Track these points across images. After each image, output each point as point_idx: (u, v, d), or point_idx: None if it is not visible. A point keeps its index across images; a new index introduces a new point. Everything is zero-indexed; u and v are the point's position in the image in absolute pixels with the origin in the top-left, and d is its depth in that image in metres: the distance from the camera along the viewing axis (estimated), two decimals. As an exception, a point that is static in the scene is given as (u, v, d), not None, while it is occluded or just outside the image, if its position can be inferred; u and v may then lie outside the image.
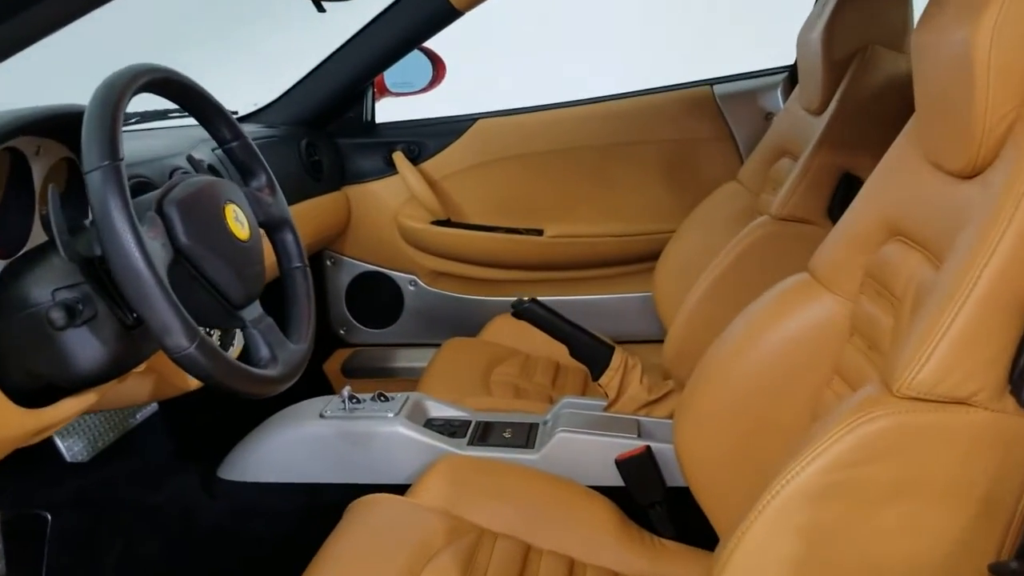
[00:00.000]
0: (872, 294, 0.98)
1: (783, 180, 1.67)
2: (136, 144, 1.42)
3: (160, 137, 1.55)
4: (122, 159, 0.86)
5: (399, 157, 2.05)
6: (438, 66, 2.21)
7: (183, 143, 1.46)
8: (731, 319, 1.15)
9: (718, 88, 2.04)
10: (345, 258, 2.15)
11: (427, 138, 2.09)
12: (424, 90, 2.24)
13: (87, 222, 0.95)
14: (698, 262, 1.76)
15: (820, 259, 1.07)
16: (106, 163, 0.84)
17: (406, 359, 2.14)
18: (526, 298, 1.45)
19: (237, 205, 1.03)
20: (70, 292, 0.92)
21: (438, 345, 1.94)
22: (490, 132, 2.09)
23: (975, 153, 0.79)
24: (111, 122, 0.87)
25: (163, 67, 1.00)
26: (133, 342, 0.98)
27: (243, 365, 0.92)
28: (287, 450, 1.37)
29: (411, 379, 1.92)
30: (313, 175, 1.95)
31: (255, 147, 1.16)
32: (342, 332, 2.19)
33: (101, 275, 0.93)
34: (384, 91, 2.22)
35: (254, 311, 1.01)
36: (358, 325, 2.19)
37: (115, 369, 0.98)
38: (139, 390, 1.22)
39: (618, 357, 1.39)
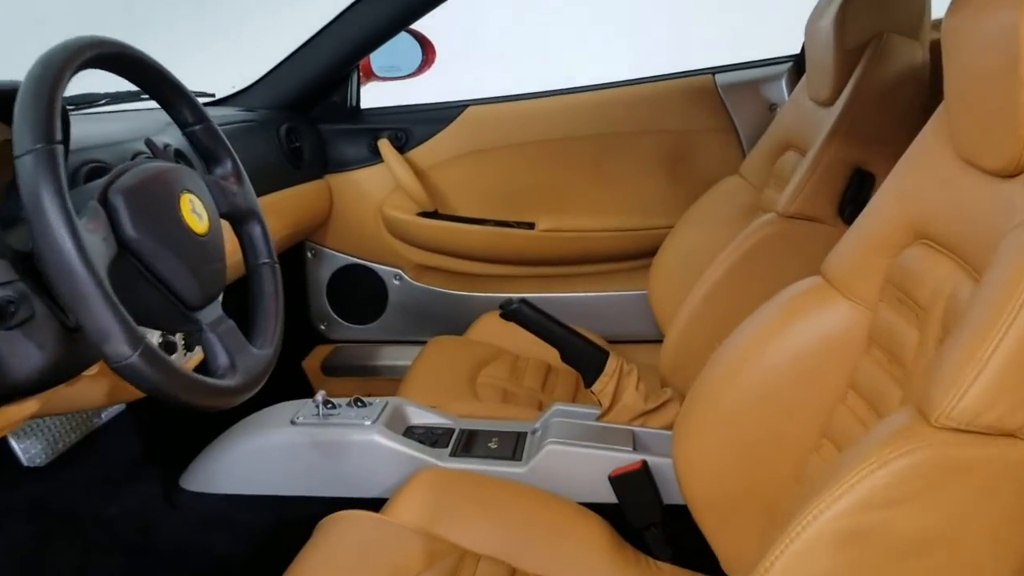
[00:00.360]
0: (893, 302, 0.89)
1: (788, 175, 1.58)
2: (98, 127, 1.32)
3: (130, 120, 1.44)
4: (59, 142, 0.76)
5: (385, 145, 1.95)
6: (428, 50, 2.11)
7: (153, 126, 1.36)
8: (735, 323, 1.07)
9: (720, 77, 1.95)
10: (327, 250, 2.04)
11: (414, 125, 1.99)
12: (413, 75, 2.14)
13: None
14: (697, 260, 1.68)
15: (835, 262, 0.99)
16: (39, 146, 0.74)
17: (389, 357, 2.05)
18: (515, 298, 1.35)
19: (195, 194, 0.93)
20: (2, 291, 0.82)
21: (423, 343, 1.85)
22: (481, 120, 1.99)
23: (1019, 150, 0.71)
24: (47, 101, 0.77)
25: (113, 40, 0.90)
26: (76, 346, 0.88)
27: (195, 375, 0.82)
28: (254, 459, 1.27)
29: (394, 379, 1.82)
30: (293, 162, 1.85)
31: (219, 131, 1.06)
32: (323, 328, 2.09)
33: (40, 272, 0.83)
34: (370, 75, 2.11)
35: (212, 313, 0.91)
36: (339, 320, 2.09)
37: (54, 376, 0.88)
38: (92, 394, 1.12)
39: (612, 363, 1.30)
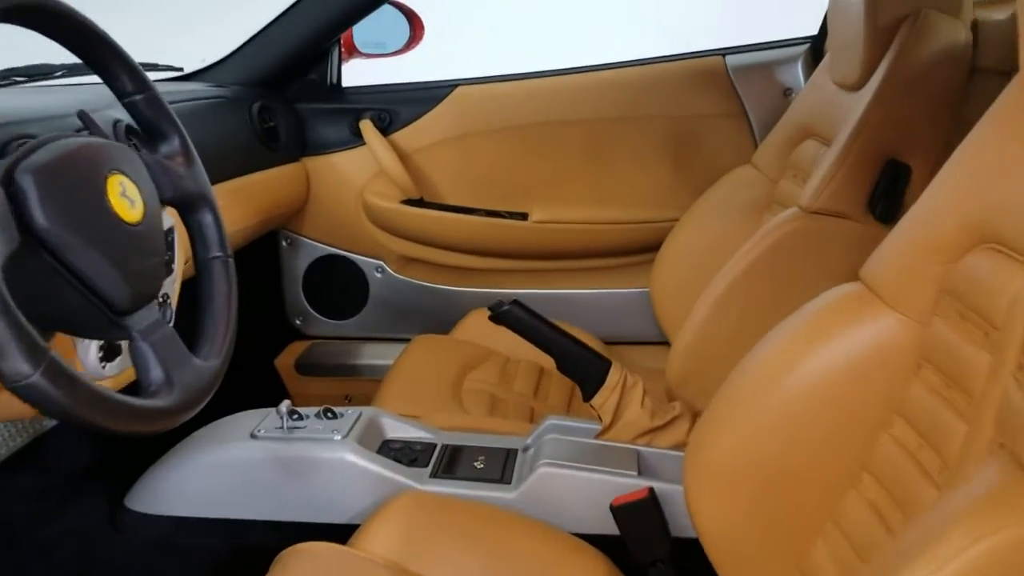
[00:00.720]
0: (953, 317, 0.75)
1: (808, 166, 1.44)
2: (41, 99, 1.16)
3: (84, 93, 1.29)
4: None
5: (367, 126, 1.80)
6: (415, 25, 1.96)
7: (104, 100, 1.20)
8: (753, 330, 0.93)
9: (731, 59, 1.80)
10: (303, 239, 1.89)
11: (399, 106, 1.84)
12: (399, 52, 1.99)
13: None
14: (705, 257, 1.55)
15: (878, 266, 0.85)
16: None
17: (370, 355, 1.90)
18: (506, 298, 1.21)
19: (126, 176, 0.78)
20: None
21: (407, 340, 1.71)
22: (471, 101, 1.84)
23: None
24: None
25: None
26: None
27: (115, 395, 0.67)
28: (209, 478, 1.12)
29: (374, 379, 1.67)
30: (267, 143, 1.70)
31: (165, 103, 0.91)
32: (298, 323, 1.94)
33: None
34: (353, 51, 1.95)
35: (145, 318, 0.77)
36: (316, 315, 1.94)
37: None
38: (17, 405, 0.97)
39: (615, 374, 1.16)
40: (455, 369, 1.55)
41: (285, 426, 1.15)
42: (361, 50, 1.95)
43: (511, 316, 1.18)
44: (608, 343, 1.76)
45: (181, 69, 1.79)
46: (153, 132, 0.91)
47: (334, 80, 1.87)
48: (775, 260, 1.20)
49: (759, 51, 1.82)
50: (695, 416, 1.18)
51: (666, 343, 1.69)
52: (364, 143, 1.80)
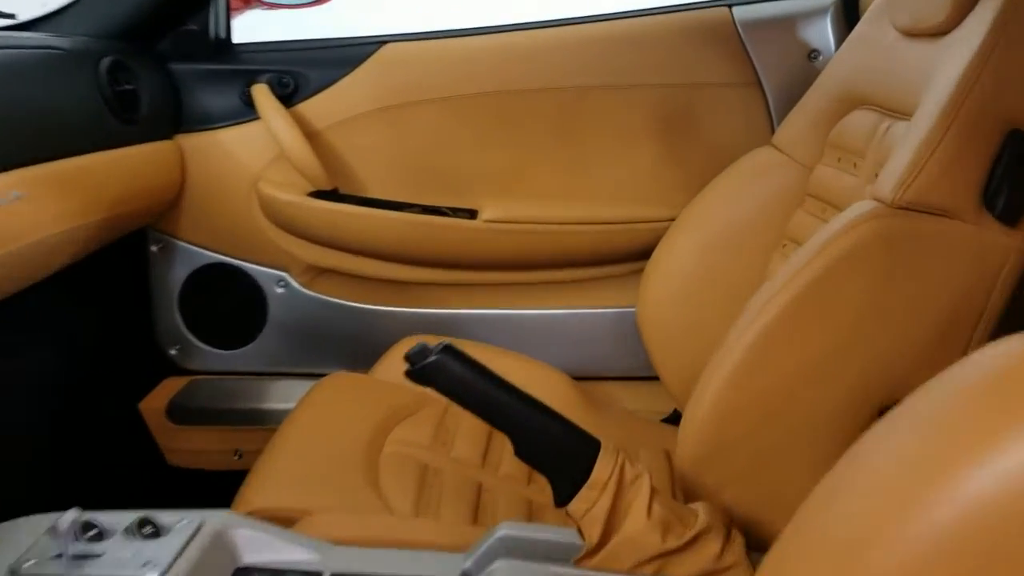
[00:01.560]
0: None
1: (860, 144, 1.03)
2: None
3: None
4: None
5: (262, 93, 1.35)
6: None
7: None
8: (817, 384, 0.77)
9: (740, 12, 1.38)
10: (180, 243, 1.43)
11: (307, 68, 1.39)
12: (313, 2, 1.55)
13: None
14: (714, 270, 1.16)
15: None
16: None
17: (268, 396, 1.44)
18: (432, 347, 0.77)
19: None
20: None
21: (316, 377, 1.27)
22: (404, 62, 1.40)
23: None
24: None
25: None
26: None
27: None
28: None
29: (272, 428, 1.22)
30: (121, 113, 1.25)
31: None
32: (173, 353, 1.48)
33: None
34: (250, 0, 1.51)
35: None
36: (197, 344, 1.48)
37: None
38: None
39: (606, 463, 0.72)
40: (374, 423, 1.11)
41: (68, 553, 0.70)
42: (261, -2, 1.51)
43: (438, 373, 0.74)
44: (580, 378, 1.33)
45: (12, 16, 1.33)
46: None
47: (221, 33, 1.42)
48: (851, 277, 0.78)
49: (777, 1, 1.40)
50: (729, 528, 0.76)
51: (654, 378, 1.27)
52: (259, 116, 1.35)
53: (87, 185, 1.16)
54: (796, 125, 1.21)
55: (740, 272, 1.15)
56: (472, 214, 1.40)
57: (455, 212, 1.41)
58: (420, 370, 0.75)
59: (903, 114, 0.96)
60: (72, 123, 1.17)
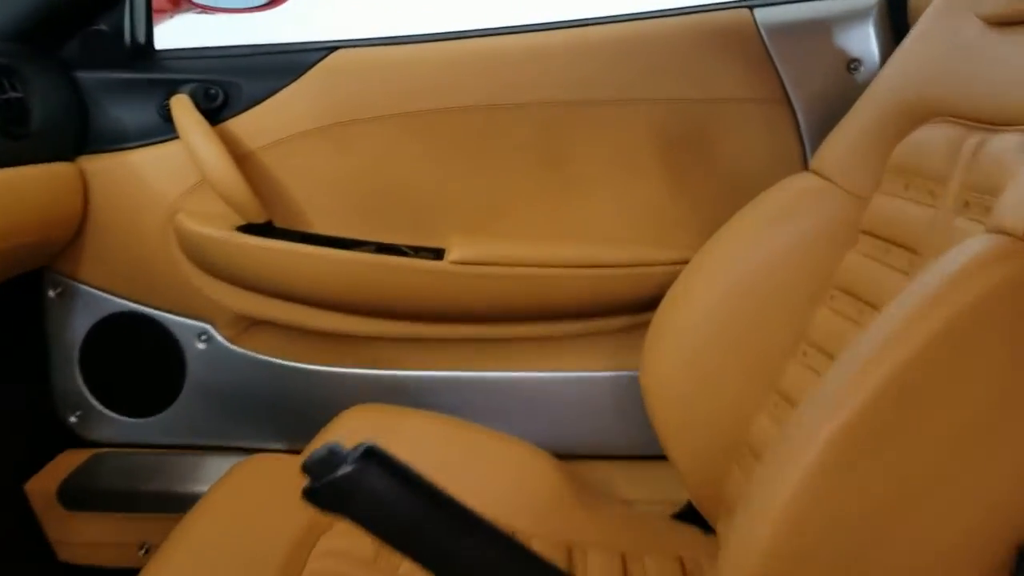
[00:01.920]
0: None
1: (940, 168, 0.78)
2: None
3: None
4: None
5: (181, 105, 1.11)
6: None
7: None
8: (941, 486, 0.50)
9: (763, 15, 1.14)
10: (82, 287, 1.17)
11: (241, 77, 1.15)
12: (262, 7, 1.33)
13: None
14: (740, 326, 0.91)
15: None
16: None
17: (182, 477, 1.17)
18: (346, 454, 0.51)
19: None
20: None
21: (245, 452, 1.01)
22: (358, 71, 1.15)
23: None
24: None
25: None
26: None
27: None
28: None
29: (178, 516, 0.95)
30: (5, 126, 1.01)
31: None
32: (73, 420, 1.22)
33: None
34: (179, 2, 1.28)
35: None
36: (102, 409, 1.21)
37: None
38: None
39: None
40: (301, 525, 0.86)
41: None
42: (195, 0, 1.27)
43: (352, 493, 0.48)
44: (568, 458, 1.07)
45: None
46: None
47: (139, 37, 1.18)
48: (974, 345, 0.52)
49: (806, 1, 1.17)
50: None
51: (661, 458, 1.01)
52: (178, 136, 1.11)
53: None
54: (842, 146, 0.96)
55: (773, 330, 0.89)
56: (438, 254, 1.15)
57: (417, 251, 1.15)
58: (324, 488, 0.49)
59: (1002, 124, 0.71)
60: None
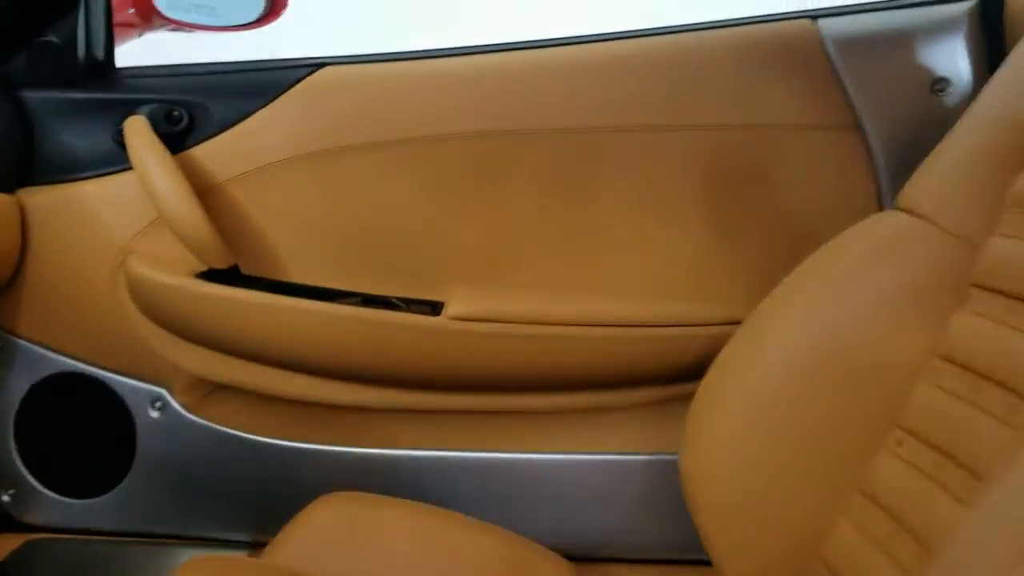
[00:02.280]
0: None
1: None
2: None
3: None
4: None
5: (135, 128, 0.94)
6: None
7: None
8: None
9: (830, 27, 0.95)
10: (17, 342, 1.00)
11: (210, 98, 0.98)
12: (249, 24, 1.18)
13: None
14: (809, 404, 0.72)
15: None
16: None
17: (125, 572, 0.98)
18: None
19: None
20: None
21: (203, 543, 0.82)
22: (344, 91, 0.98)
23: None
24: None
25: None
26: None
27: None
28: None
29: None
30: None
31: None
32: (5, 499, 1.03)
33: None
34: (149, 17, 1.13)
35: None
36: (40, 488, 1.03)
37: None
38: None
39: None
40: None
41: None
42: (167, 15, 1.11)
43: None
44: (586, 561, 0.87)
45: None
46: None
47: (97, 52, 1.02)
48: None
49: (880, 10, 0.98)
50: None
51: (701, 562, 0.80)
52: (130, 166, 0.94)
53: None
54: (939, 179, 0.75)
55: (858, 410, 0.69)
56: (435, 308, 0.96)
57: (410, 304, 0.96)
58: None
59: None
60: None
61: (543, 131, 0.95)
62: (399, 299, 0.97)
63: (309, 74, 0.98)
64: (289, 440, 0.99)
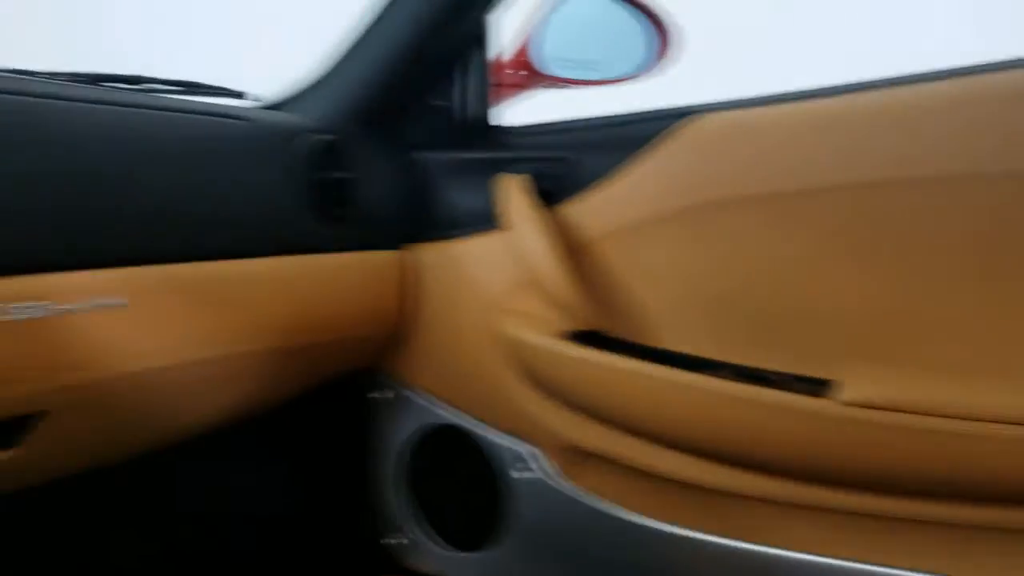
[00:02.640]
0: None
1: None
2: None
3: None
4: None
5: (513, 188, 0.93)
6: (661, 31, 1.13)
7: None
8: None
9: None
10: (411, 393, 1.05)
11: (579, 153, 0.94)
12: (633, 76, 1.16)
13: None
14: None
15: None
16: None
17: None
18: None
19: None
20: None
21: None
22: (719, 142, 0.88)
23: None
24: None
25: None
26: None
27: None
28: None
29: None
30: (324, 207, 0.92)
31: None
32: (394, 543, 1.09)
33: None
34: (532, 77, 1.12)
35: None
36: (426, 535, 1.07)
37: None
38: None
39: None
40: None
41: None
42: (545, 72, 1.11)
43: None
44: None
45: (240, 95, 1.10)
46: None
47: (476, 112, 1.04)
48: None
49: None
50: None
51: None
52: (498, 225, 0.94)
53: (254, 298, 0.84)
54: None
55: None
56: (824, 386, 0.81)
57: (795, 382, 0.83)
58: None
59: None
60: (245, 213, 0.85)
61: (960, 177, 0.76)
62: (775, 373, 0.84)
63: (674, 123, 0.89)
64: (660, 521, 0.90)
